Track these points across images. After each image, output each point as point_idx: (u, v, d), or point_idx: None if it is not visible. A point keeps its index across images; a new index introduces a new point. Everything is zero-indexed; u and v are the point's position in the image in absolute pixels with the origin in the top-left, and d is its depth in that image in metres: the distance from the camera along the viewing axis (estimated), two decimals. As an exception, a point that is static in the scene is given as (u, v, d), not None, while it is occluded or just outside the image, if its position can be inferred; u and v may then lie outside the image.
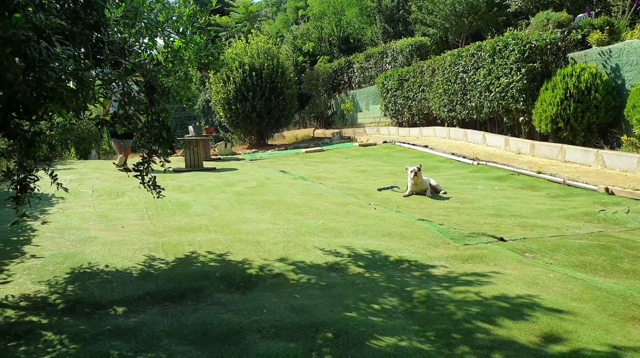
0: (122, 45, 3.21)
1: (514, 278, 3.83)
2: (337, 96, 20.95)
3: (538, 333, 2.88)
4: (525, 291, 3.54)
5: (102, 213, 6.39)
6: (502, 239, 4.95)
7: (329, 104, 21.46)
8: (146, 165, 3.77)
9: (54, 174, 3.63)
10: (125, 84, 3.26)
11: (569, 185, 7.61)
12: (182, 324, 3.10)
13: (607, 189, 6.88)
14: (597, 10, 11.54)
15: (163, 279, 3.90)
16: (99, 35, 2.99)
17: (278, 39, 25.72)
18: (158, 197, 4.09)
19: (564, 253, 4.46)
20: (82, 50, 2.90)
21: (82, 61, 2.87)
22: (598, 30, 9.50)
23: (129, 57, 3.19)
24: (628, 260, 4.25)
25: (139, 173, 3.79)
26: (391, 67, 17.45)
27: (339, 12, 23.70)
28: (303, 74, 22.59)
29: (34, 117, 2.98)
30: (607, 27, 9.46)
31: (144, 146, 3.63)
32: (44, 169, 3.61)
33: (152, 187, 3.95)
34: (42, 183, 3.70)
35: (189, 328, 3.04)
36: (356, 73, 19.85)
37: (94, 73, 3.02)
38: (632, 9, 10.00)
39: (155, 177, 4.00)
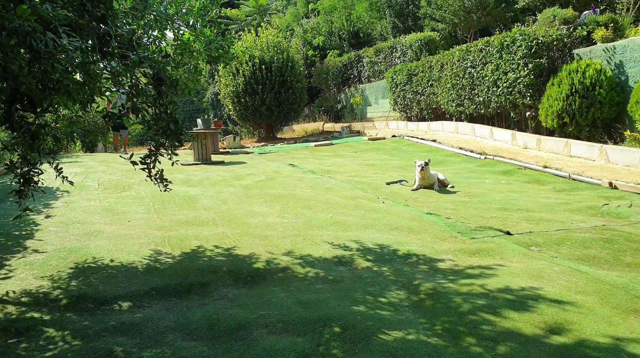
0: (130, 37, 3.22)
1: (519, 271, 3.82)
2: (346, 90, 20.90)
3: (542, 325, 2.88)
4: (530, 284, 3.53)
5: (107, 207, 6.43)
6: (508, 233, 4.94)
7: (338, 98, 21.41)
8: (153, 158, 3.78)
9: (58, 168, 3.63)
10: (133, 76, 3.28)
11: (574, 179, 7.58)
12: (188, 319, 3.10)
13: (610, 184, 6.85)
14: (602, 8, 11.46)
15: (169, 273, 3.89)
16: (107, 27, 3.00)
17: (288, 33, 25.63)
18: (165, 190, 4.09)
19: (569, 247, 4.44)
20: (89, 42, 2.91)
21: (89, 53, 2.88)
22: (603, 27, 9.47)
23: (137, 49, 3.20)
24: (630, 253, 4.24)
25: (145, 166, 3.80)
26: (400, 62, 17.37)
27: (349, 7, 23.58)
28: (313, 68, 22.53)
29: (39, 110, 2.99)
30: (612, 24, 9.43)
31: (152, 139, 3.64)
32: (49, 162, 3.61)
33: (159, 180, 3.95)
34: (47, 176, 3.71)
35: (195, 323, 3.04)
36: (365, 67, 19.78)
37: (102, 65, 3.03)
38: (636, 6, 9.91)
39: (162, 170, 4.00)
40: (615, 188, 6.76)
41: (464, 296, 3.35)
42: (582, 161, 8.59)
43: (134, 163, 3.69)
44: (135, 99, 3.44)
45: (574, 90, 9.05)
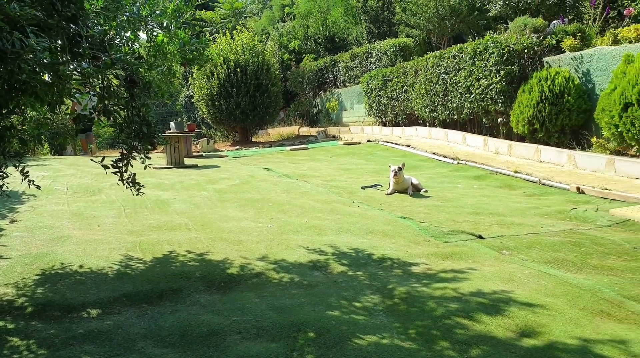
0: (102, 38, 3.15)
1: (491, 274, 3.89)
2: (322, 94, 20.95)
3: (513, 327, 2.93)
4: (502, 287, 3.59)
5: (76, 211, 6.27)
6: (480, 237, 5.02)
7: (314, 102, 21.45)
8: (125, 161, 3.71)
9: (25, 171, 3.53)
10: (105, 78, 3.21)
11: (543, 184, 7.76)
12: (159, 326, 3.04)
13: (578, 189, 7.05)
14: (570, 18, 11.81)
15: (140, 279, 3.82)
16: (77, 28, 2.92)
17: (263, 36, 25.57)
18: (137, 194, 4.02)
19: (539, 250, 4.54)
20: (59, 43, 2.84)
21: (58, 54, 2.80)
22: (571, 37, 9.76)
23: (109, 51, 3.14)
24: (597, 256, 4.36)
25: (117, 170, 3.72)
26: (375, 67, 17.52)
27: (324, 11, 23.68)
28: (288, 72, 22.52)
29: (4, 111, 2.90)
30: (579, 34, 9.72)
31: (124, 142, 3.57)
32: (15, 166, 3.50)
33: (131, 184, 3.88)
34: (12, 180, 3.59)
35: (167, 330, 2.98)
36: (341, 72, 19.88)
37: (72, 67, 2.95)
38: (602, 17, 10.25)
39: (134, 174, 3.93)
40: (583, 192, 6.96)
41: (438, 300, 3.38)
42: (552, 167, 8.81)
43: (105, 167, 3.61)
44: (106, 102, 3.37)
45: (543, 97, 9.29)
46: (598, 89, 9.02)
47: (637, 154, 7.69)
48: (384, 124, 16.21)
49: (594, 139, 8.63)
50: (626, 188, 6.70)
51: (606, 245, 4.65)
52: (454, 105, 12.08)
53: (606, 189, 6.70)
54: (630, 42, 8.47)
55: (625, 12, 10.19)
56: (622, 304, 3.28)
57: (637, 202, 6.09)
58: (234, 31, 17.84)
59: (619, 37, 8.73)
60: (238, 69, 16.73)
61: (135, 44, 3.80)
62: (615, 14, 10.92)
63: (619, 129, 7.58)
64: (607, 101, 7.85)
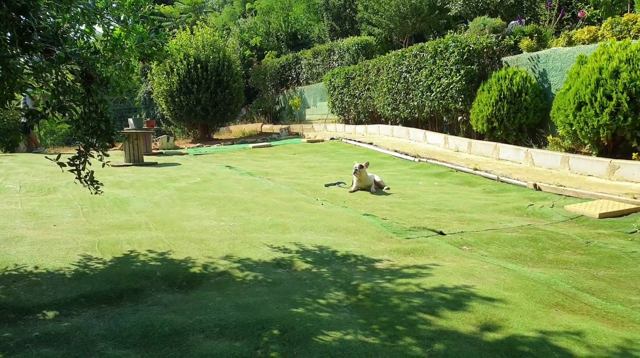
0: (55, 31, 3.02)
1: (452, 270, 3.97)
2: (285, 91, 20.87)
3: (475, 322, 3.01)
4: (463, 282, 3.68)
5: (30, 211, 6.03)
6: (441, 233, 5.12)
7: (277, 99, 21.33)
8: (83, 159, 3.59)
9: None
10: (59, 73, 3.08)
11: (502, 181, 7.99)
12: (119, 327, 2.97)
13: (535, 186, 7.30)
14: (527, 18, 12.20)
15: (99, 280, 3.72)
16: (28, 20, 2.79)
17: (224, 32, 25.22)
18: (95, 193, 3.90)
19: (497, 246, 4.68)
20: (9, 35, 2.70)
21: (8, 47, 2.67)
22: (528, 37, 10.08)
23: (62, 44, 3.01)
24: (552, 250, 4.53)
25: (74, 168, 3.59)
26: (338, 65, 17.59)
27: (286, 8, 23.57)
28: (250, 68, 22.31)
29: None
30: (536, 35, 10.06)
31: (80, 139, 3.44)
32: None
33: (89, 182, 3.76)
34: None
35: (128, 330, 2.92)
36: (304, 69, 19.85)
37: (23, 60, 2.82)
38: (557, 18, 10.65)
39: (92, 172, 3.81)
40: (539, 189, 7.21)
41: (401, 295, 3.43)
42: (510, 164, 9.08)
43: (61, 164, 3.48)
44: (61, 97, 3.23)
45: (502, 96, 9.54)
46: (554, 88, 9.34)
47: (590, 152, 8.03)
48: (347, 122, 16.30)
49: (550, 137, 8.95)
50: (579, 184, 6.99)
51: (561, 240, 4.83)
52: (416, 103, 12.27)
53: (561, 186, 6.97)
54: (583, 43, 8.82)
55: (579, 14, 10.62)
56: (576, 296, 3.42)
57: (589, 198, 6.36)
58: (194, 26, 17.52)
59: (573, 39, 9.07)
60: (198, 65, 16.45)
61: (91, 37, 3.67)
62: (569, 16, 11.36)
63: (573, 128, 7.89)
64: (562, 100, 8.15)
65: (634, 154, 7.30)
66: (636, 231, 5.00)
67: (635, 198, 5.93)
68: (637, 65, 7.23)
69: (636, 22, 8.12)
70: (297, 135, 17.31)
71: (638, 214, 5.58)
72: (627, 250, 4.45)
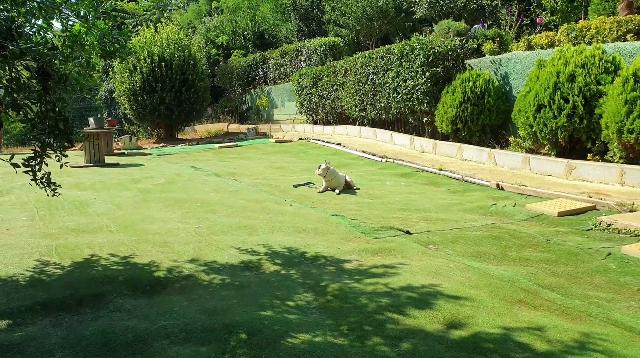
0: (9, 25, 2.88)
1: (419, 268, 4.01)
2: (252, 91, 20.69)
3: (441, 320, 3.04)
4: (430, 281, 3.72)
5: (-16, 214, 5.76)
6: (408, 232, 5.18)
7: (243, 99, 21.13)
8: (39, 159, 3.44)
9: None
10: (13, 69, 2.94)
11: (466, 181, 8.16)
12: (79, 335, 2.86)
13: (498, 185, 7.48)
14: (489, 23, 12.52)
15: (57, 286, 3.58)
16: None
17: (190, 30, 24.81)
18: (53, 195, 3.75)
19: (462, 244, 4.76)
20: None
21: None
22: (490, 41, 10.35)
23: (17, 39, 2.87)
24: (515, 248, 4.64)
25: (30, 169, 3.44)
26: (306, 66, 17.57)
27: (253, 7, 23.38)
28: (216, 67, 22.02)
29: None
30: (498, 39, 10.34)
31: (36, 139, 3.30)
32: None
33: (45, 184, 3.61)
34: None
35: (88, 338, 2.81)
36: (271, 69, 19.74)
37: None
38: (517, 24, 10.97)
39: (49, 173, 3.66)
40: (502, 189, 7.39)
41: (369, 295, 3.44)
42: (474, 164, 9.28)
43: (15, 165, 3.32)
44: (15, 95, 3.09)
45: (466, 98, 9.75)
46: (515, 91, 9.61)
47: (549, 152, 8.29)
48: (315, 122, 16.31)
49: (511, 138, 9.20)
50: (539, 184, 7.20)
51: (523, 238, 4.96)
52: (382, 105, 12.39)
53: (522, 185, 7.16)
54: (542, 48, 9.10)
55: (537, 20, 10.97)
56: (537, 293, 3.51)
57: (549, 197, 6.55)
58: (159, 24, 17.16)
59: (532, 43, 9.35)
60: (163, 64, 16.11)
61: (49, 33, 3.52)
62: (528, 22, 11.72)
63: (533, 129, 8.12)
64: (523, 102, 8.39)
65: (589, 154, 7.58)
66: (591, 229, 5.19)
67: (590, 197, 6.16)
68: (592, 70, 7.52)
69: (590, 28, 8.44)
70: (265, 135, 17.20)
71: (593, 212, 5.79)
72: (583, 247, 4.61)
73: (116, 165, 11.16)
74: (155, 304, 3.35)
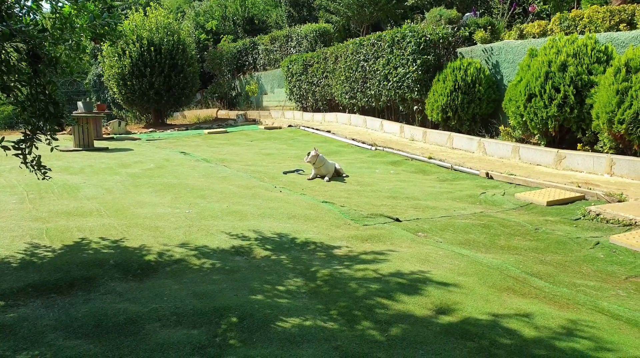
0: (-1, 5, 2.83)
1: (408, 255, 4.06)
2: (241, 77, 20.52)
3: (430, 306, 3.09)
4: (419, 267, 3.77)
5: (-28, 197, 5.70)
6: (397, 219, 5.22)
7: (233, 84, 20.96)
8: (29, 143, 3.41)
9: None
10: (3, 51, 2.89)
11: (455, 170, 8.22)
12: (70, 316, 2.88)
13: (487, 174, 7.55)
14: (481, 11, 12.51)
15: (48, 268, 3.58)
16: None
17: (179, 15, 24.47)
18: (43, 178, 3.73)
19: (452, 232, 4.82)
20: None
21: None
22: (482, 29, 10.33)
23: (6, 20, 2.82)
24: (504, 237, 4.71)
25: (20, 152, 3.41)
26: (296, 52, 17.45)
27: (243, -8, 23.14)
28: (206, 53, 21.78)
29: None
30: (490, 27, 10.33)
31: (27, 122, 3.26)
32: None
33: (35, 167, 3.59)
34: None
35: (79, 320, 2.83)
36: (261, 55, 19.58)
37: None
38: (509, 12, 10.98)
39: (39, 156, 3.63)
40: (491, 178, 7.46)
41: (359, 281, 3.48)
42: (463, 153, 9.34)
43: (5, 148, 3.29)
44: (5, 77, 3.04)
45: (457, 86, 9.76)
46: (506, 80, 9.64)
47: (539, 142, 8.36)
48: (305, 109, 16.26)
49: (501, 127, 9.25)
50: (528, 173, 7.28)
51: (512, 227, 5.03)
52: (373, 92, 12.37)
53: (512, 174, 7.24)
54: (534, 37, 9.13)
55: (529, 9, 10.98)
56: (525, 280, 3.58)
57: (538, 186, 6.64)
58: (148, 8, 16.89)
59: (524, 32, 9.37)
60: (152, 48, 15.90)
61: (38, 14, 3.46)
62: (520, 10, 11.72)
63: (523, 119, 8.18)
64: (513, 91, 8.43)
65: (579, 145, 7.67)
66: (580, 218, 5.27)
67: (579, 187, 6.24)
68: (584, 59, 7.57)
69: (582, 18, 8.48)
70: (254, 121, 17.12)
71: (582, 202, 5.88)
72: (572, 236, 4.69)
73: (105, 149, 11.07)
74: (146, 287, 3.36)
